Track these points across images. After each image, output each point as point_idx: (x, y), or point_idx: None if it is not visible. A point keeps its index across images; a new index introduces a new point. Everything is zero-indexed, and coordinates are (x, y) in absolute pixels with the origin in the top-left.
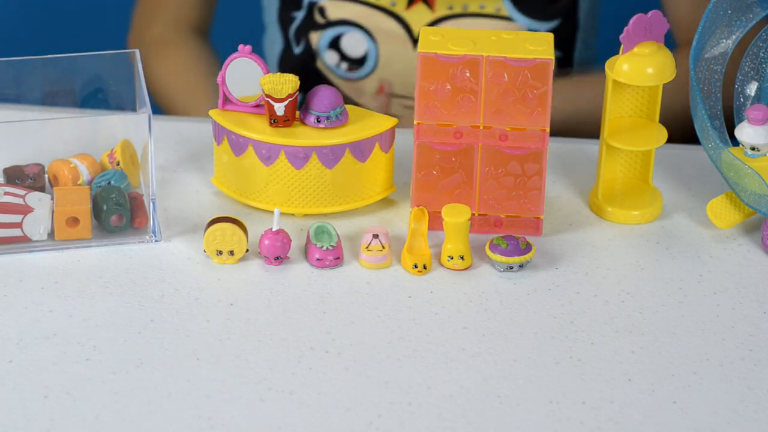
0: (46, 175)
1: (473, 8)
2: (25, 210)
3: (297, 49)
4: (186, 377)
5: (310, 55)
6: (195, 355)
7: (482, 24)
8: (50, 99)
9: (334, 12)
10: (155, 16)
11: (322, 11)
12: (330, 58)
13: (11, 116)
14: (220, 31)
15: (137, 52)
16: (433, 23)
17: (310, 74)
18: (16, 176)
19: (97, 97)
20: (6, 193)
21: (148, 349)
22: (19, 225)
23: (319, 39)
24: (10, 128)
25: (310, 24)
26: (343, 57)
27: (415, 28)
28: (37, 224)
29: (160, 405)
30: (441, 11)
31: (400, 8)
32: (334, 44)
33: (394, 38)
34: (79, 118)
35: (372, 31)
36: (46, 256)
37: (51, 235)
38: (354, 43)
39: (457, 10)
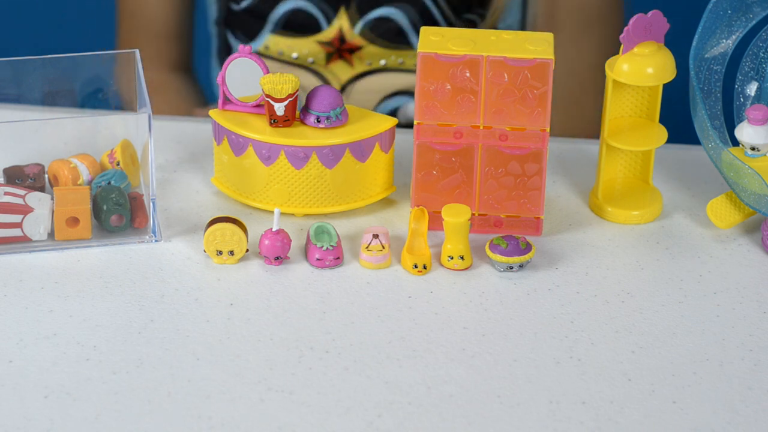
0: (46, 175)
1: (392, 64)
2: (25, 210)
3: None
4: (186, 377)
5: None
6: (195, 355)
7: (400, 77)
8: (50, 99)
9: None
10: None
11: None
12: None
13: (11, 116)
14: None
15: (137, 51)
16: (352, 79)
17: None
18: (16, 176)
19: (97, 97)
20: (6, 193)
21: (148, 349)
22: (19, 225)
23: None
24: (10, 128)
25: None
26: None
27: (334, 83)
28: (37, 224)
29: (160, 405)
30: (360, 68)
31: (319, 65)
32: None
33: None
34: (79, 118)
35: None
36: (46, 256)
37: (51, 235)
38: None
39: (376, 65)
